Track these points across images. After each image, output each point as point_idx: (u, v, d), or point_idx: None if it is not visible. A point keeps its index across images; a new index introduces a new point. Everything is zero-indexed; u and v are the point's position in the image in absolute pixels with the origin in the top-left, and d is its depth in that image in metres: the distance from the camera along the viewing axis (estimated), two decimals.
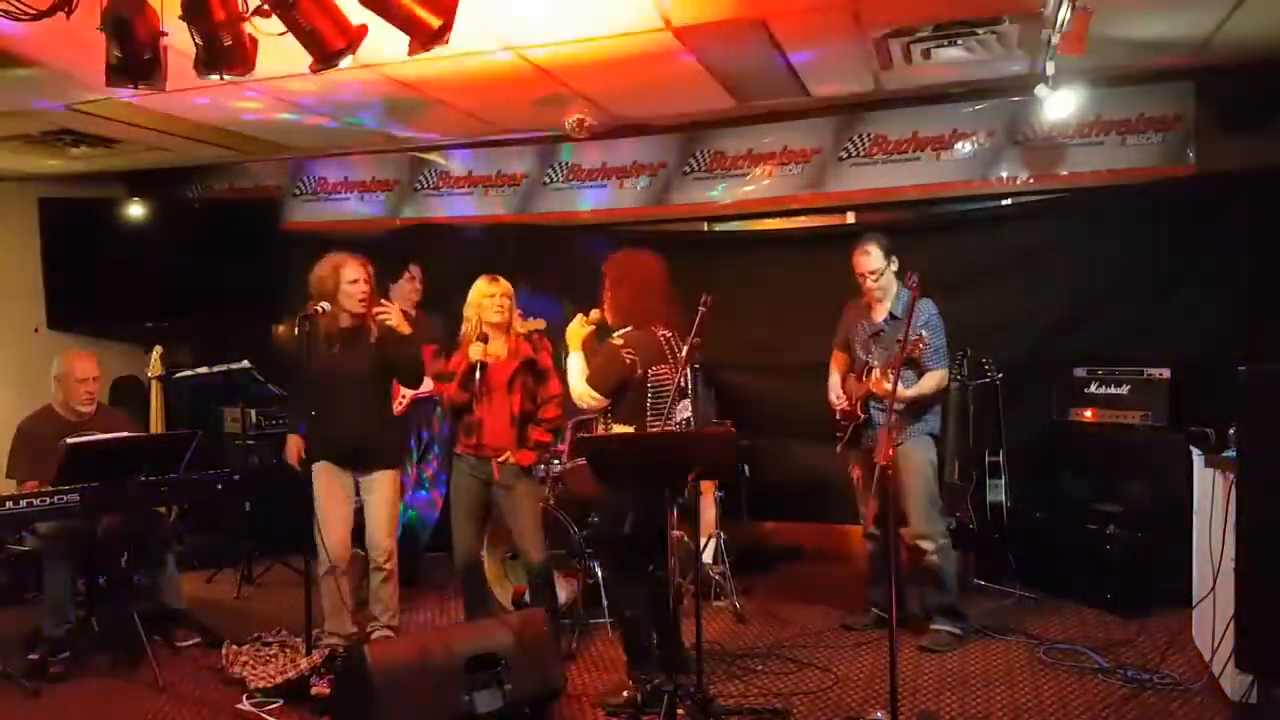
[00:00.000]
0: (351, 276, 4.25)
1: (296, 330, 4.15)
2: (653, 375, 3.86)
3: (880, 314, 4.53)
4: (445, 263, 6.30)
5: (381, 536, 4.36)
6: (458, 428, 4.35)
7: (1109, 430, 5.14)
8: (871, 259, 4.45)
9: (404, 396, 5.27)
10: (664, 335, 3.96)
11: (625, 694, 3.81)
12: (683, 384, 3.96)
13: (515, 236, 6.44)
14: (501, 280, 4.33)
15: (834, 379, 4.72)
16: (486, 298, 4.26)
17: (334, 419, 4.22)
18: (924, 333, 4.13)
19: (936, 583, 4.43)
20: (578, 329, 3.97)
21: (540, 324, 4.34)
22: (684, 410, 3.98)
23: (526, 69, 4.55)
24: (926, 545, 4.39)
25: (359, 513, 4.42)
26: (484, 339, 4.19)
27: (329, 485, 4.29)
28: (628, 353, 3.81)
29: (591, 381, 3.84)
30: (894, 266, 4.46)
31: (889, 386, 4.23)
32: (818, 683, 4.06)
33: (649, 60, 4.47)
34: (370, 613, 4.44)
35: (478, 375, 4.14)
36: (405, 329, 4.29)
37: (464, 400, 4.23)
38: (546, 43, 4.22)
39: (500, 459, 4.20)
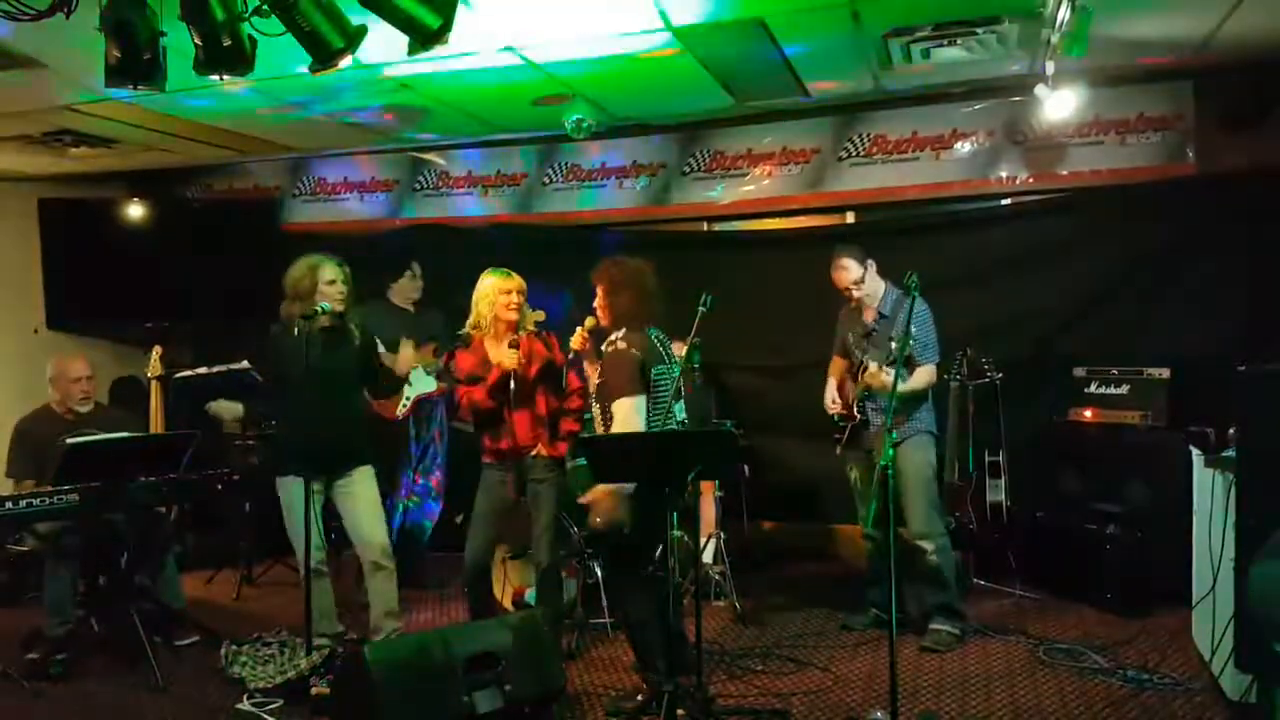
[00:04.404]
0: (329, 277, 4.22)
1: (295, 330, 4.14)
2: (655, 376, 3.85)
3: (870, 315, 4.56)
4: (445, 263, 6.30)
5: (375, 533, 4.30)
6: (484, 433, 4.25)
7: (1109, 430, 5.13)
8: (849, 272, 4.48)
9: (407, 399, 5.25)
10: (656, 337, 3.95)
11: (640, 698, 3.74)
12: (679, 386, 3.95)
13: (515, 236, 6.43)
14: (515, 276, 4.22)
15: (830, 385, 4.74)
16: (502, 294, 4.13)
17: (310, 420, 4.15)
18: (913, 328, 4.14)
19: (936, 582, 4.43)
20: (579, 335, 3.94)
21: (540, 315, 4.26)
22: (679, 413, 3.96)
23: (527, 69, 4.55)
24: (926, 545, 4.39)
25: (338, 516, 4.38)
26: (515, 344, 4.08)
27: (302, 494, 4.13)
28: (633, 351, 3.80)
29: (620, 389, 3.76)
30: (873, 269, 4.50)
31: (885, 379, 4.25)
32: (818, 683, 4.06)
33: (649, 60, 4.47)
34: (374, 613, 4.34)
35: (512, 384, 4.06)
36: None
37: (493, 407, 4.15)
38: (547, 43, 4.23)
39: (533, 453, 4.17)
